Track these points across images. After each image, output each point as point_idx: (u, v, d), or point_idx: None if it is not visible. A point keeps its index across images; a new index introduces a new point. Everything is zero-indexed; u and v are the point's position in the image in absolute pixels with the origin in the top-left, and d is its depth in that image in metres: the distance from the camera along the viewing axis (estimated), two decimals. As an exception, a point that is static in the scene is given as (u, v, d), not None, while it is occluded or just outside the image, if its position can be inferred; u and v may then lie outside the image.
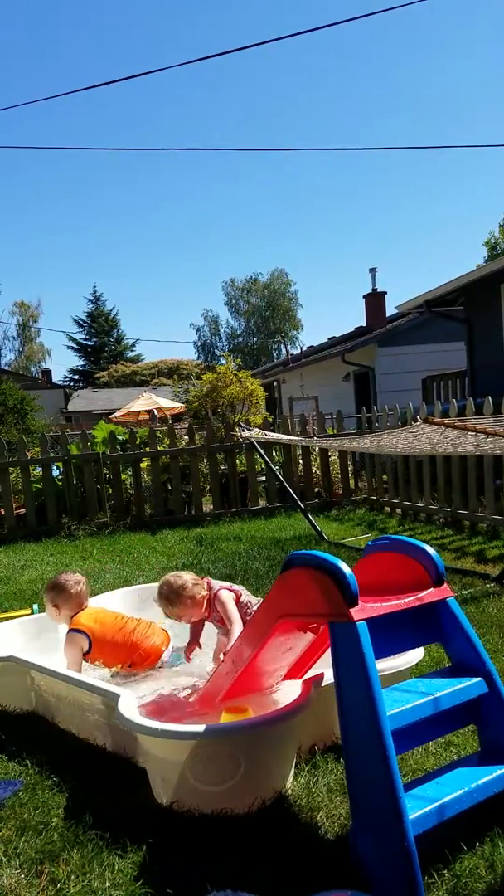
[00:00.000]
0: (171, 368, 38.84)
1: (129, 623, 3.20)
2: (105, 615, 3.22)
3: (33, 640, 3.46)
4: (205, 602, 3.07)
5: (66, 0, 64.52)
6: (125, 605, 3.64)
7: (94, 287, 66.32)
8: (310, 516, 6.83)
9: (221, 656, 2.90)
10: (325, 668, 2.41)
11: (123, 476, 8.24)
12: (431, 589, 2.20)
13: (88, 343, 53.57)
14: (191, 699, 2.75)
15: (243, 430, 7.38)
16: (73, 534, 7.64)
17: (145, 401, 19.81)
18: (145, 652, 3.11)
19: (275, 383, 25.13)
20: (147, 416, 19.14)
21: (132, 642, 3.11)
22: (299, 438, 7.75)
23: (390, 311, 19.81)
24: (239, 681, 2.43)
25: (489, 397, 6.24)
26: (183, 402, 16.35)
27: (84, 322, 53.52)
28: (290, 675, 2.58)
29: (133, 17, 65.66)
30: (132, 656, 3.09)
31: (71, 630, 3.11)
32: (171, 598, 3.04)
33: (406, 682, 2.17)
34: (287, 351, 29.65)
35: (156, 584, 4.26)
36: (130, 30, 66.48)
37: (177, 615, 3.08)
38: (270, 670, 2.52)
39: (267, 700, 2.57)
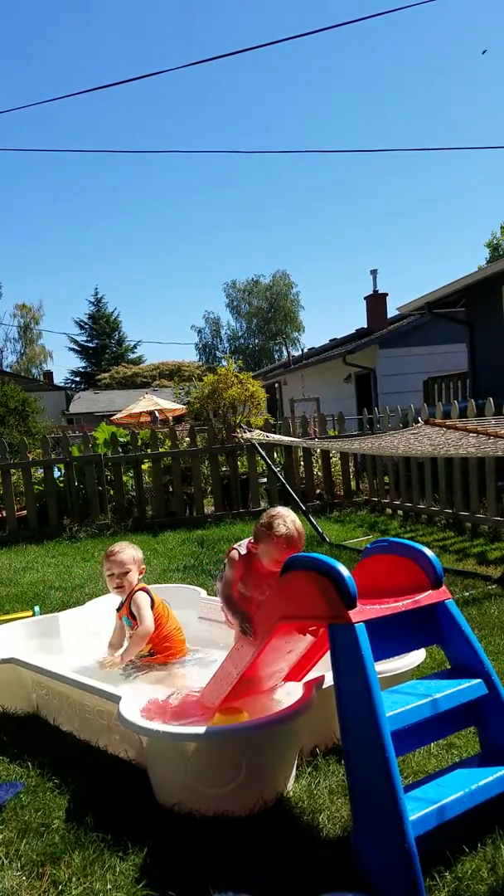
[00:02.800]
0: (172, 370, 38.86)
1: (171, 615, 3.31)
2: (156, 598, 3.32)
3: (35, 642, 3.46)
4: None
5: (66, 2, 64.70)
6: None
7: (96, 289, 66.45)
8: (311, 518, 6.83)
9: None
10: (325, 670, 2.41)
11: (125, 478, 8.25)
12: (430, 591, 2.20)
13: (90, 345, 53.61)
14: (192, 701, 2.74)
15: (244, 432, 7.38)
16: (74, 535, 7.64)
17: (147, 402, 19.82)
18: (172, 649, 3.21)
19: (276, 385, 25.14)
20: (148, 418, 19.16)
21: (168, 634, 3.22)
22: (301, 440, 7.75)
23: (391, 312, 19.84)
24: (239, 683, 2.43)
25: (490, 399, 6.24)
26: (184, 404, 16.35)
27: (85, 324, 53.58)
28: (290, 678, 2.58)
29: (134, 19, 65.83)
30: (160, 645, 3.19)
31: (140, 590, 3.22)
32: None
33: (406, 684, 2.18)
34: (288, 352, 29.67)
35: (156, 586, 4.27)
36: (131, 32, 66.64)
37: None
38: (270, 672, 2.52)
39: (268, 702, 2.57)
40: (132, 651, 3.13)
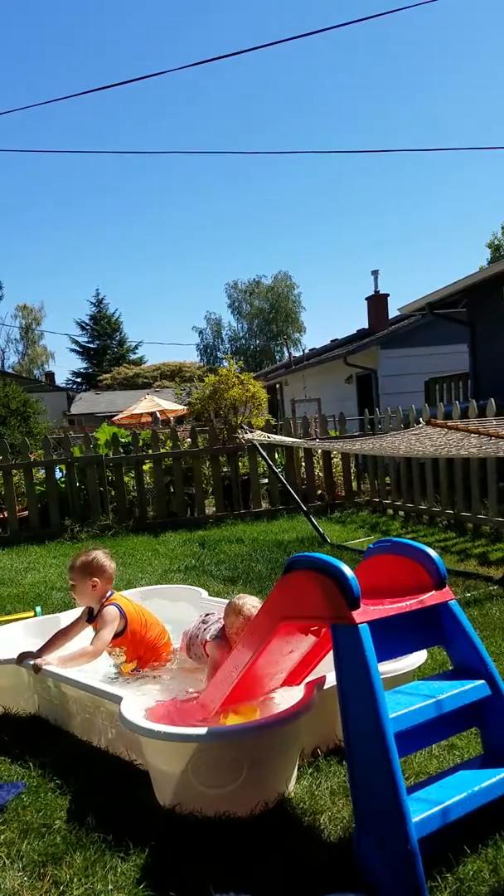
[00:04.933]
0: (173, 371, 38.87)
1: (151, 619, 3.22)
2: (133, 605, 3.21)
3: (37, 643, 3.45)
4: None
5: (68, 4, 64.79)
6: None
7: (97, 290, 66.30)
8: (312, 518, 6.83)
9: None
10: (326, 670, 2.41)
11: (126, 478, 8.25)
12: (433, 592, 2.20)
13: (91, 346, 53.67)
14: (193, 702, 2.74)
15: (246, 433, 7.38)
16: (75, 536, 7.64)
17: (148, 403, 19.83)
18: (157, 654, 3.16)
19: (277, 386, 25.13)
20: (150, 419, 19.17)
21: (152, 641, 3.13)
22: (302, 441, 7.75)
23: (393, 313, 19.81)
24: (240, 684, 2.43)
25: (492, 399, 6.24)
26: (185, 405, 16.37)
27: (87, 325, 53.63)
28: (291, 679, 2.58)
29: (135, 20, 65.89)
30: (145, 656, 3.12)
31: (112, 604, 3.05)
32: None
33: (408, 685, 2.17)
34: (290, 353, 29.66)
35: (158, 587, 4.27)
36: (132, 31, 66.71)
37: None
38: (272, 673, 2.52)
39: (269, 703, 2.57)
40: (74, 663, 2.90)
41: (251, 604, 2.86)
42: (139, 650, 3.11)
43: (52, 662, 2.86)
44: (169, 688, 2.97)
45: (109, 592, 3.17)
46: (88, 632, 3.15)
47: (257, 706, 2.51)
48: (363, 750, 1.89)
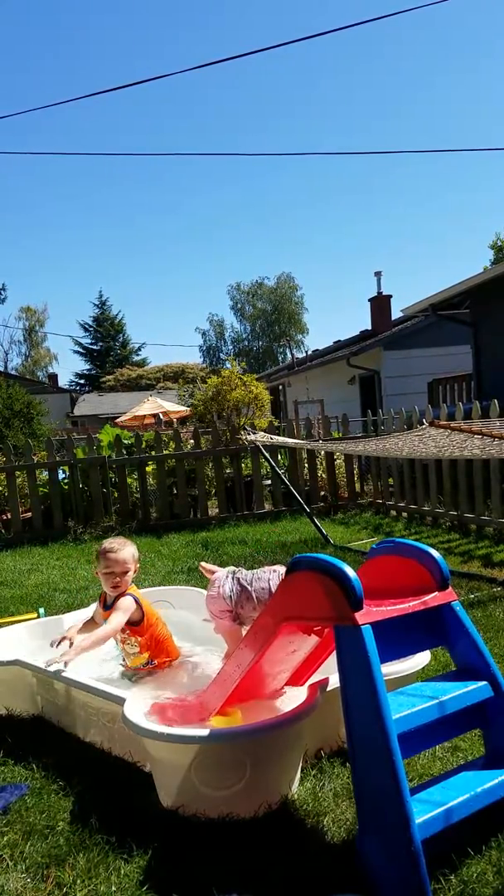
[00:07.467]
0: (176, 372, 38.96)
1: (160, 618, 3.25)
2: (144, 601, 3.24)
3: (39, 644, 3.46)
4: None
5: (70, 5, 64.95)
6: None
7: (100, 291, 66.44)
8: (315, 520, 6.82)
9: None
10: (329, 672, 2.41)
11: (129, 480, 8.25)
12: (436, 593, 2.19)
13: (94, 347, 53.77)
14: (193, 703, 2.74)
15: (249, 434, 7.38)
16: (79, 537, 7.65)
17: (151, 404, 19.87)
18: (164, 654, 3.17)
19: (280, 387, 25.13)
20: (153, 420, 19.21)
21: (160, 639, 3.16)
22: (305, 442, 7.74)
23: (396, 314, 19.79)
24: (242, 683, 2.43)
25: (495, 400, 6.22)
26: (188, 406, 16.38)
27: (90, 326, 53.73)
28: (294, 679, 2.57)
29: (137, 21, 66.02)
30: (156, 650, 3.14)
31: (129, 595, 3.09)
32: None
33: (411, 686, 2.17)
34: (292, 355, 29.66)
35: (159, 588, 4.27)
36: (134, 31, 66.83)
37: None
38: (274, 672, 2.51)
39: (272, 704, 2.57)
40: (89, 647, 2.89)
41: None
42: (151, 642, 3.13)
43: (70, 655, 2.83)
44: (172, 686, 2.97)
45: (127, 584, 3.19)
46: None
47: (238, 709, 2.50)
48: (367, 751, 1.89)
